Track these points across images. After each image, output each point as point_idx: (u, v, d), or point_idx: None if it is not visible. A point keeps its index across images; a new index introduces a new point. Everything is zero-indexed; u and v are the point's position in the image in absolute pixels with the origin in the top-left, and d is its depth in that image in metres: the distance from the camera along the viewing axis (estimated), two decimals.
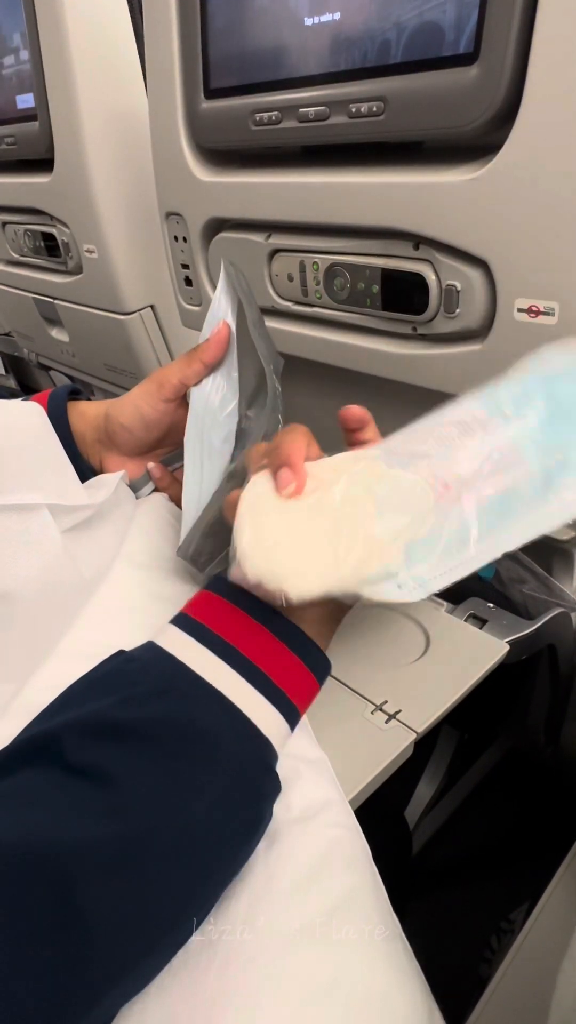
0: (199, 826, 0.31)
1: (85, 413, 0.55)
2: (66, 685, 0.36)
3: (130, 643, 0.38)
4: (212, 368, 0.53)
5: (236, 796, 0.33)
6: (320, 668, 0.39)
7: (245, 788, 0.34)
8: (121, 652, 0.37)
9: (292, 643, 0.38)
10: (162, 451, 0.57)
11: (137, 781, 0.31)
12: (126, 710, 0.33)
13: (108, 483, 0.52)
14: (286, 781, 0.39)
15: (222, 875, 0.33)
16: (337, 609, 0.42)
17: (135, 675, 0.35)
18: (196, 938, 0.32)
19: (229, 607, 0.38)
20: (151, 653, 0.37)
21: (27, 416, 0.51)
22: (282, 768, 0.40)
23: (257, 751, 0.35)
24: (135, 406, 0.53)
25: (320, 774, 0.42)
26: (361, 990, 0.33)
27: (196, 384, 0.53)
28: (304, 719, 0.45)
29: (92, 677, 0.36)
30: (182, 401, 0.54)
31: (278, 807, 0.38)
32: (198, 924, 0.32)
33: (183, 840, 0.31)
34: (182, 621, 0.38)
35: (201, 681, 0.35)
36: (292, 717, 0.37)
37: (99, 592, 0.45)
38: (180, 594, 0.47)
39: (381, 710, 0.48)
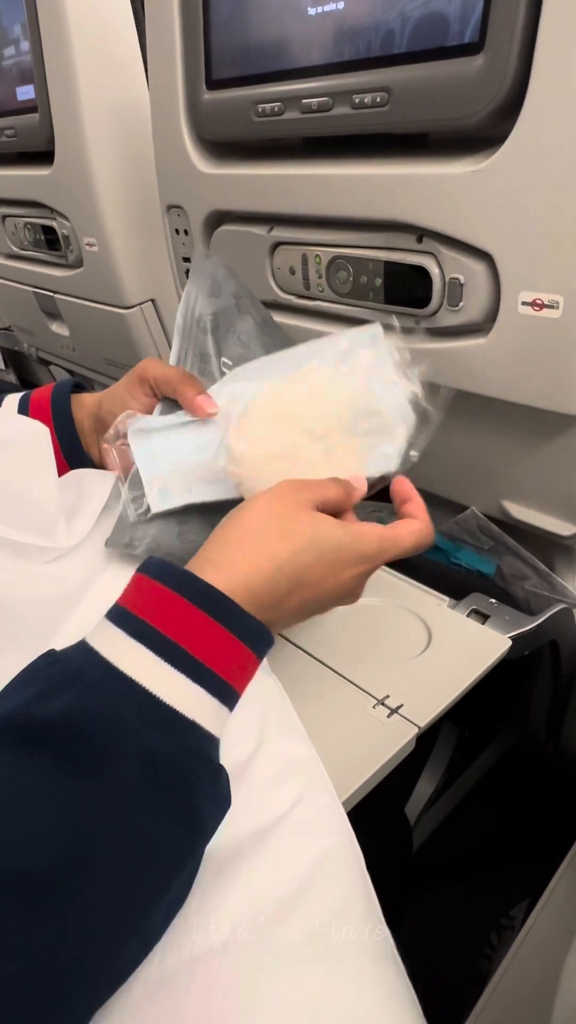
0: (109, 836, 0.28)
1: (83, 403, 0.55)
2: None
3: None
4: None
5: (151, 791, 0.29)
6: (254, 637, 0.35)
7: (162, 778, 0.30)
8: (50, 651, 0.34)
9: (215, 611, 0.34)
10: None
11: (26, 802, 0.27)
12: (26, 710, 0.30)
13: (96, 494, 0.50)
14: (273, 784, 0.38)
15: (160, 882, 0.30)
16: (277, 572, 0.37)
17: (46, 670, 0.33)
18: (175, 956, 0.30)
19: (149, 583, 0.35)
20: (74, 647, 0.34)
21: (31, 440, 0.48)
22: (269, 769, 0.38)
23: (174, 735, 0.31)
24: (121, 398, 0.53)
25: (309, 776, 0.40)
26: (349, 1011, 0.31)
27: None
28: (294, 715, 0.44)
29: (14, 680, 0.33)
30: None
31: (264, 813, 0.36)
32: (148, 946, 0.29)
33: (92, 856, 0.27)
34: (111, 610, 0.35)
35: (108, 666, 0.32)
36: (223, 692, 0.33)
37: (91, 593, 0.44)
38: None
39: (383, 705, 0.48)
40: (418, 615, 0.58)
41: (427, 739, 0.85)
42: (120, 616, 0.34)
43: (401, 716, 0.47)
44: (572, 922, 0.51)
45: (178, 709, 0.31)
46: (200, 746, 0.32)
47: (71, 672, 0.32)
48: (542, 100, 0.44)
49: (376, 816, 0.57)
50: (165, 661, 0.32)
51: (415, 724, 0.47)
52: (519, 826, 0.92)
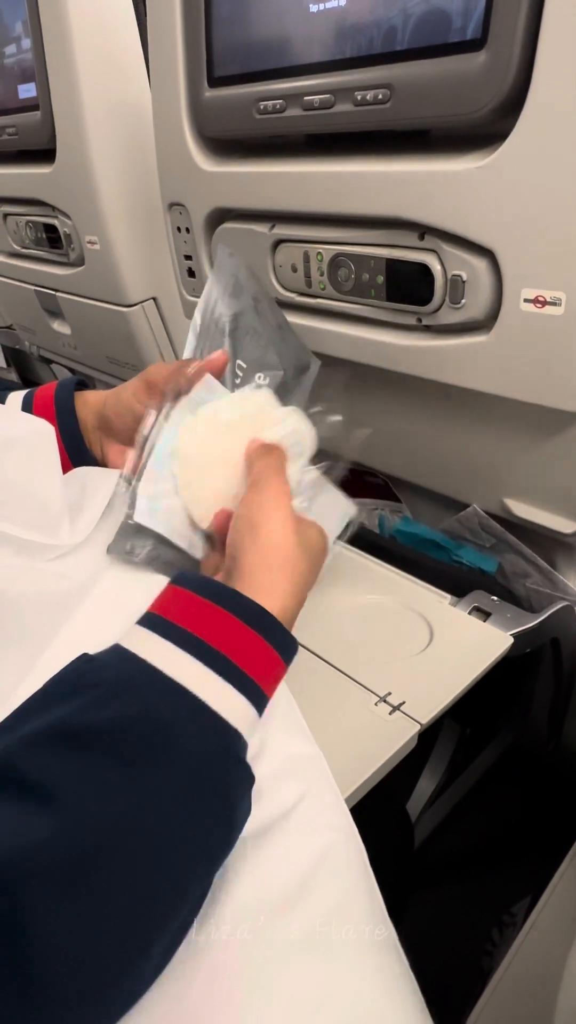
0: (160, 832, 0.29)
1: (88, 401, 0.55)
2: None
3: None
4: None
5: (200, 792, 0.31)
6: (286, 648, 0.38)
7: (209, 782, 0.31)
8: (84, 655, 0.35)
9: (257, 624, 0.36)
10: None
11: (84, 793, 0.29)
12: (80, 717, 0.31)
13: (99, 492, 0.50)
14: (276, 780, 0.38)
15: (196, 880, 0.31)
16: (301, 584, 0.41)
17: (92, 677, 0.33)
18: (180, 949, 0.30)
19: (190, 596, 0.37)
20: (112, 653, 0.35)
21: (35, 437, 0.48)
22: (272, 766, 0.39)
23: (221, 741, 0.33)
24: (128, 402, 0.52)
25: (313, 772, 0.40)
26: (352, 1005, 0.32)
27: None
28: (297, 713, 0.44)
29: (50, 684, 0.34)
30: None
31: (267, 809, 0.36)
32: (179, 940, 0.30)
33: (142, 849, 0.28)
34: (146, 618, 0.37)
35: (159, 674, 0.33)
36: (259, 701, 0.35)
37: (95, 591, 0.45)
38: None
39: (385, 702, 0.48)
40: (419, 612, 0.58)
41: (429, 737, 0.85)
42: (160, 625, 0.35)
43: (403, 713, 0.47)
44: (574, 919, 0.51)
45: (226, 718, 0.33)
46: (240, 753, 0.34)
47: (122, 679, 0.33)
48: (545, 96, 0.44)
49: (378, 813, 0.57)
50: (212, 671, 0.34)
51: (417, 721, 0.47)
52: (520, 823, 0.93)
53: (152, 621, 0.36)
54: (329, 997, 0.31)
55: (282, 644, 0.37)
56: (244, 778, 0.34)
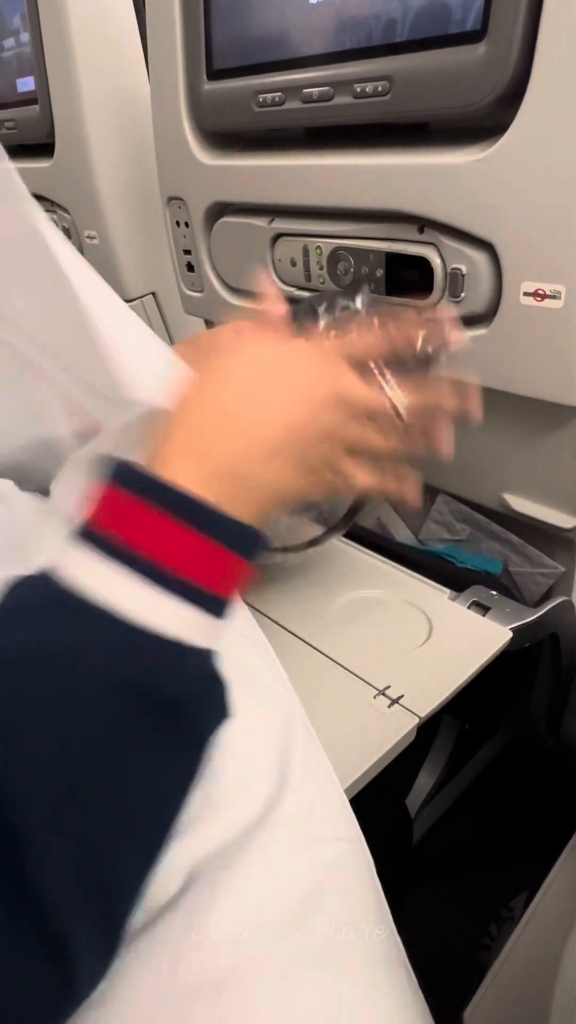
0: (96, 773, 0.26)
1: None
2: None
3: None
4: None
5: (136, 719, 0.27)
6: (239, 539, 0.31)
7: (147, 705, 0.28)
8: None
9: (194, 518, 0.30)
10: None
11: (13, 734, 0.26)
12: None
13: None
14: (282, 780, 0.36)
15: (154, 817, 0.28)
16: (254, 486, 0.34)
17: (19, 596, 0.30)
18: (186, 963, 0.29)
19: (116, 494, 0.31)
20: (39, 572, 0.30)
21: None
22: (271, 762, 0.37)
23: (155, 658, 0.29)
24: None
25: (318, 775, 0.39)
26: (364, 1022, 0.31)
27: None
28: (302, 712, 0.42)
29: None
30: None
31: (272, 814, 0.35)
32: (142, 889, 0.28)
33: (77, 795, 0.26)
34: (83, 531, 0.31)
35: (84, 601, 0.29)
36: (210, 603, 0.30)
37: None
38: None
39: (384, 695, 0.48)
40: (419, 607, 0.58)
41: (428, 733, 0.85)
42: (94, 538, 0.30)
43: (402, 706, 0.47)
44: (570, 913, 0.51)
45: (179, 638, 0.29)
46: (181, 663, 0.30)
47: (40, 602, 0.29)
48: (545, 88, 0.44)
49: (377, 809, 0.57)
50: (154, 583, 0.29)
51: (416, 714, 0.47)
52: (519, 818, 0.93)
53: (87, 533, 0.31)
54: (340, 1015, 0.30)
55: (232, 536, 0.31)
56: (194, 688, 0.30)
